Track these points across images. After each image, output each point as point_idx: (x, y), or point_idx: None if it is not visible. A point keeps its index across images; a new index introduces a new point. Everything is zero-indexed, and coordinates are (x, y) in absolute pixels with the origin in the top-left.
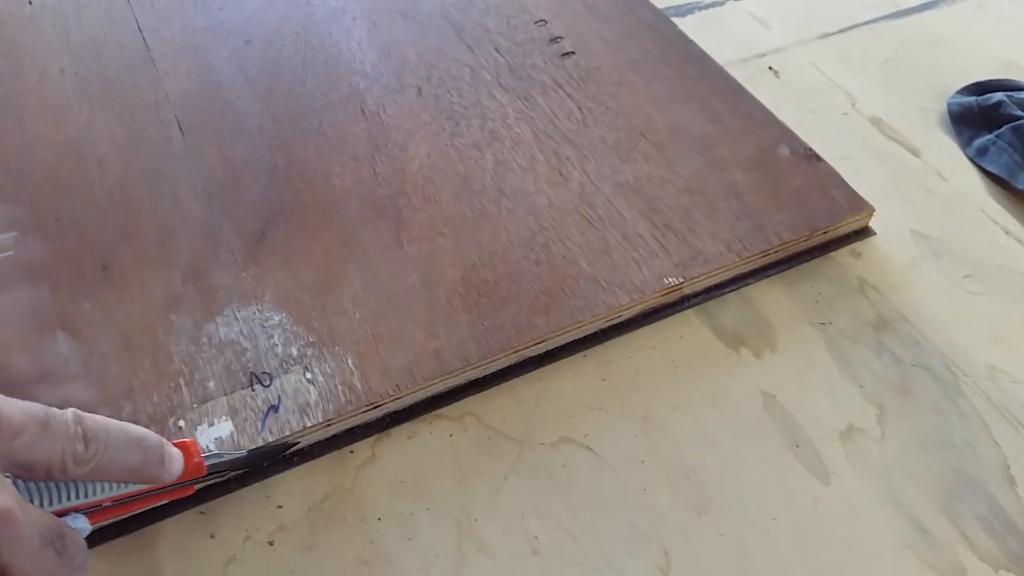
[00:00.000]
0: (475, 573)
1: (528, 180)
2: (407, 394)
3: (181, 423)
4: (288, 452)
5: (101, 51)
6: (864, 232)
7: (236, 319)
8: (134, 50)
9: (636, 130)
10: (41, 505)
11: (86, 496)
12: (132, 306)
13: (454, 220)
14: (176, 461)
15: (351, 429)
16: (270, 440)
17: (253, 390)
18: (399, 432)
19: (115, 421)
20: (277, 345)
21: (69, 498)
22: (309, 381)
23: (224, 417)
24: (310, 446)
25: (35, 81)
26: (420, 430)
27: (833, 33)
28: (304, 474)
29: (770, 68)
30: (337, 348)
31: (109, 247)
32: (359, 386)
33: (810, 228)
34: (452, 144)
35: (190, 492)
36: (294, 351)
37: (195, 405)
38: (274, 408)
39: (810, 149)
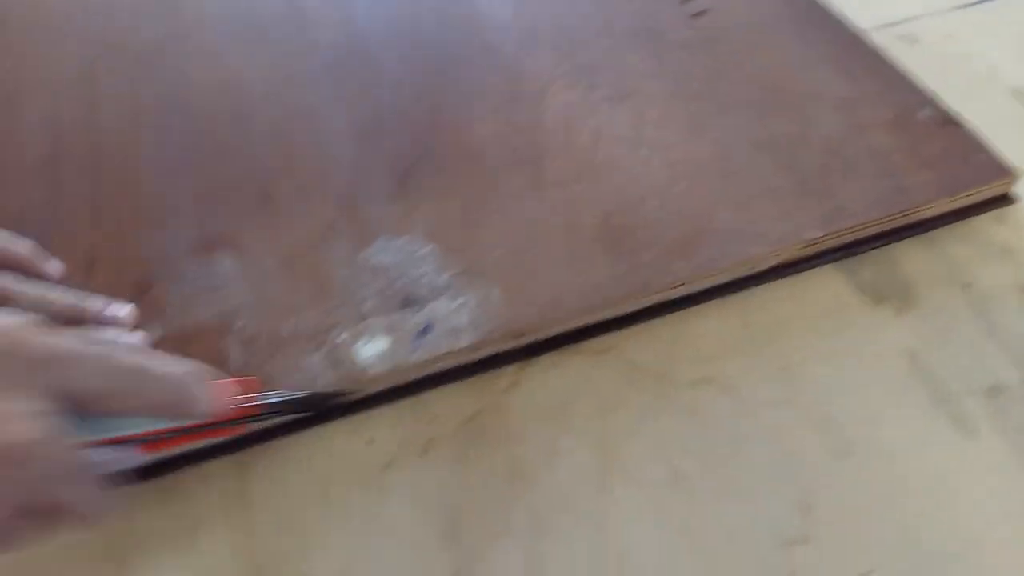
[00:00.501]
0: (618, 496)
1: (664, 134)
2: (551, 325)
3: (341, 338)
4: (345, 400)
5: (253, 2)
6: (1006, 198)
7: (388, 248)
8: (283, 1)
9: (771, 89)
10: (82, 437)
11: (127, 430)
12: (292, 232)
13: (592, 168)
14: (209, 402)
15: (496, 355)
16: (423, 358)
17: (406, 313)
18: (542, 361)
19: (156, 359)
20: (427, 274)
21: (109, 431)
22: (458, 308)
23: (380, 335)
24: (458, 368)
25: (192, 25)
26: (562, 361)
27: (972, 4)
28: (453, 393)
29: (906, 37)
30: (484, 279)
31: (269, 178)
32: (505, 315)
33: (952, 191)
34: (587, 98)
35: (241, 431)
36: (443, 280)
37: (353, 323)
38: (426, 330)
39: (951, 113)
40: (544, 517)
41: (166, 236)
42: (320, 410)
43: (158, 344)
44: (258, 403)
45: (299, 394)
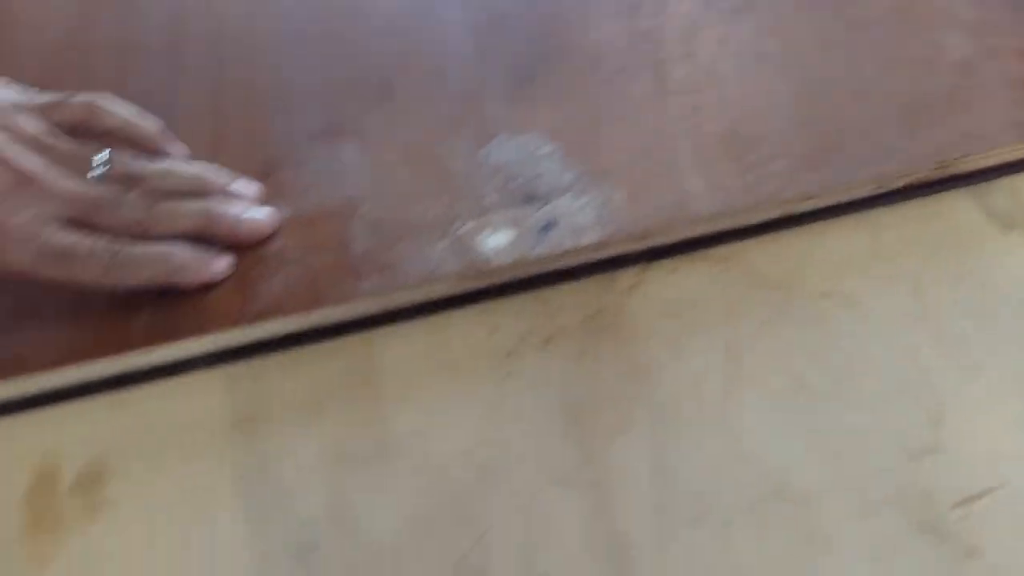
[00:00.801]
0: (742, 397)
1: (791, 48)
2: (675, 229)
3: (465, 228)
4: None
5: None
6: None
7: (508, 146)
8: None
9: (900, 9)
10: None
11: None
12: (412, 126)
13: (717, 77)
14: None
15: (617, 257)
16: (546, 254)
17: (529, 208)
18: (664, 265)
19: None
20: (549, 172)
21: None
22: (582, 207)
23: (503, 228)
24: (580, 266)
25: None
26: (683, 266)
27: None
28: (575, 290)
29: None
30: (606, 182)
31: (389, 72)
32: (628, 217)
33: None
34: (711, 7)
35: None
36: (566, 179)
37: (475, 216)
38: (549, 226)
39: None
40: (668, 414)
41: (291, 123)
42: None
43: (285, 224)
44: None
45: None
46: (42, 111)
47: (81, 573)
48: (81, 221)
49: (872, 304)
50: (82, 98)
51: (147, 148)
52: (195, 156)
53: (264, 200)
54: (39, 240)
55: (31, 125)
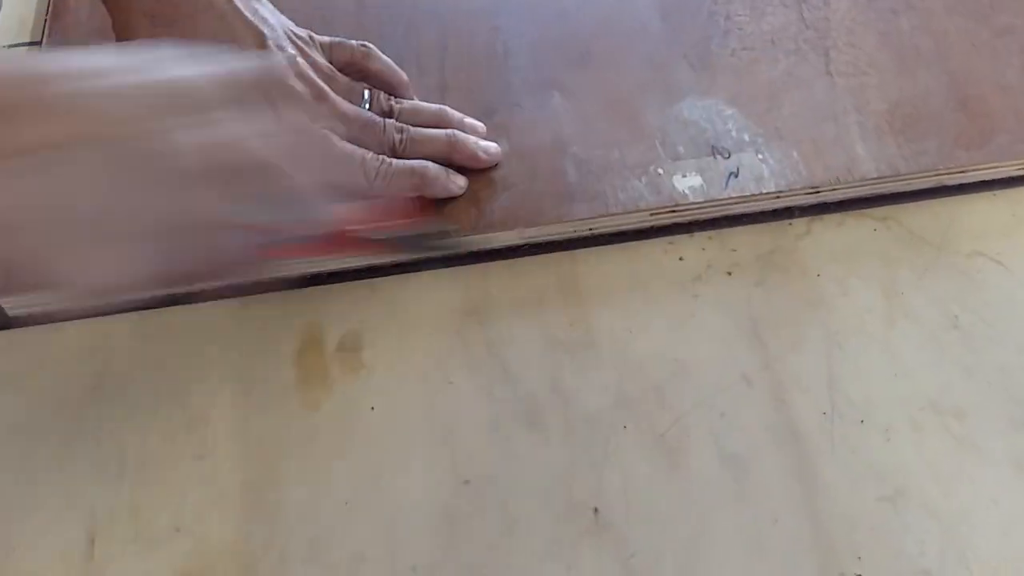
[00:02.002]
0: (903, 329)
1: (941, 44)
2: (842, 188)
3: (660, 171)
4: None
5: None
6: None
7: (696, 107)
8: None
9: None
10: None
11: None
12: (610, 85)
13: (877, 64)
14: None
15: (791, 207)
16: (733, 196)
17: (715, 159)
18: (830, 219)
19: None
20: (732, 131)
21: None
22: (761, 161)
23: (693, 173)
24: (756, 213)
25: None
26: (848, 221)
27: None
28: (752, 232)
29: None
30: (783, 142)
31: (590, 39)
32: (803, 172)
33: None
34: (870, 5)
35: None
36: (746, 137)
37: (669, 161)
38: (734, 174)
39: None
40: (837, 337)
41: (507, 75)
42: (424, 253)
43: (507, 155)
44: (367, 236)
45: (416, 232)
46: (325, 47)
47: (345, 417)
48: (351, 139)
49: (1016, 263)
50: (357, 42)
51: (397, 93)
52: (427, 97)
53: (487, 137)
54: (329, 142)
55: (320, 58)
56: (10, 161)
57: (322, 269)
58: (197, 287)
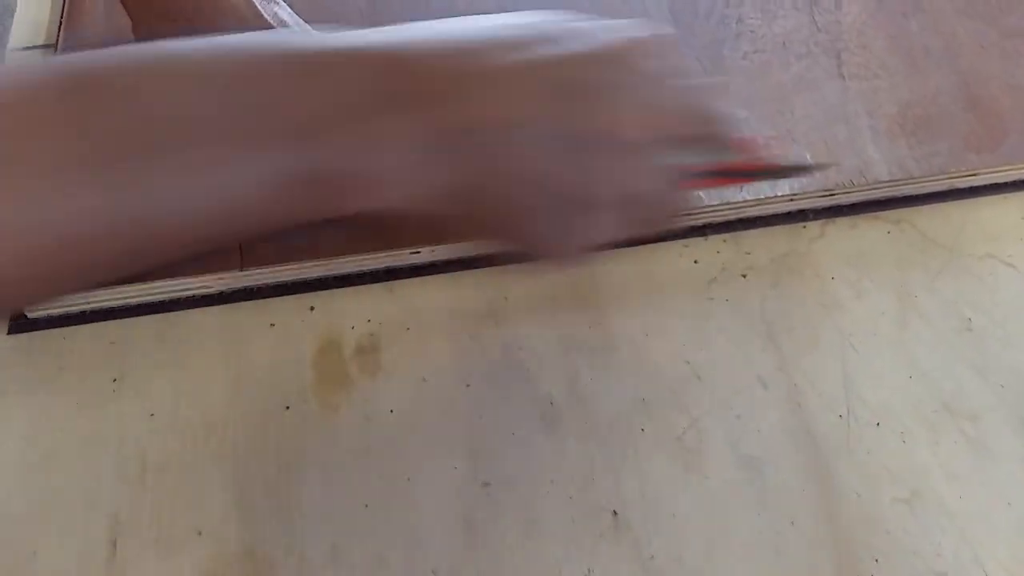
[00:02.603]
0: (916, 332)
1: (951, 45)
2: (856, 190)
3: None
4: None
5: None
6: None
7: None
8: None
9: None
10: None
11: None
12: None
13: (888, 66)
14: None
15: (805, 210)
16: (747, 199)
17: None
18: (844, 221)
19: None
20: (746, 133)
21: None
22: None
23: None
24: (770, 216)
25: None
26: (861, 224)
27: None
28: (766, 235)
29: None
30: (796, 144)
31: None
32: (817, 174)
33: None
34: (880, 8)
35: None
36: (759, 140)
37: None
38: None
39: None
40: (852, 339)
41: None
42: (798, 175)
43: None
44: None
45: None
46: None
47: (364, 420)
48: None
49: None
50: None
51: None
52: None
53: None
54: None
55: None
56: (469, 136)
57: (341, 271)
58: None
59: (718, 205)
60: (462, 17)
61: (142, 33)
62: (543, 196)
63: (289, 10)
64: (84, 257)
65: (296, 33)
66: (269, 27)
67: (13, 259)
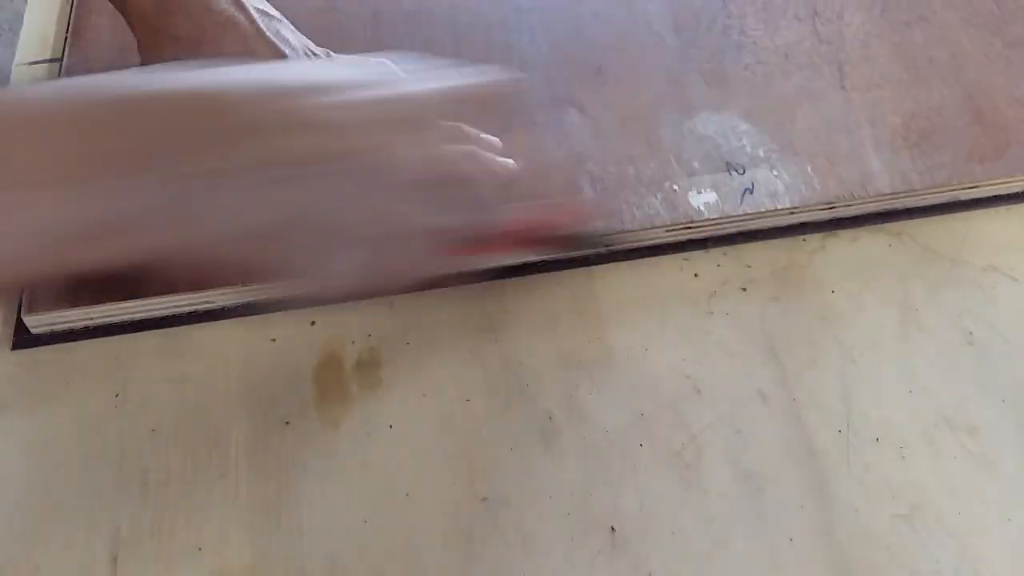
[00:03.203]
0: (917, 345)
1: (955, 56)
2: (857, 203)
3: (675, 187)
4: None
5: None
6: None
7: (710, 122)
8: None
9: None
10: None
11: None
12: (624, 101)
13: (891, 77)
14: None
15: (805, 223)
16: (747, 212)
17: (730, 175)
18: (845, 234)
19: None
20: (746, 146)
21: None
22: (776, 177)
23: (708, 189)
24: (770, 229)
25: None
26: (862, 236)
27: None
28: (766, 248)
29: None
30: (797, 156)
31: (603, 55)
32: (817, 188)
33: None
34: (883, 17)
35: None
36: (761, 152)
37: (684, 177)
38: (749, 190)
39: None
40: (852, 351)
41: (521, 92)
42: (587, 250)
43: (522, 172)
44: (543, 234)
45: (582, 232)
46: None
47: (364, 435)
48: None
49: None
50: (375, 59)
51: None
52: None
53: (503, 154)
54: None
55: None
56: (260, 174)
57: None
58: (385, 291)
59: (719, 219)
60: (312, 62)
61: (146, 50)
62: (312, 229)
63: (291, 27)
64: None
65: (130, 75)
66: (272, 44)
67: None
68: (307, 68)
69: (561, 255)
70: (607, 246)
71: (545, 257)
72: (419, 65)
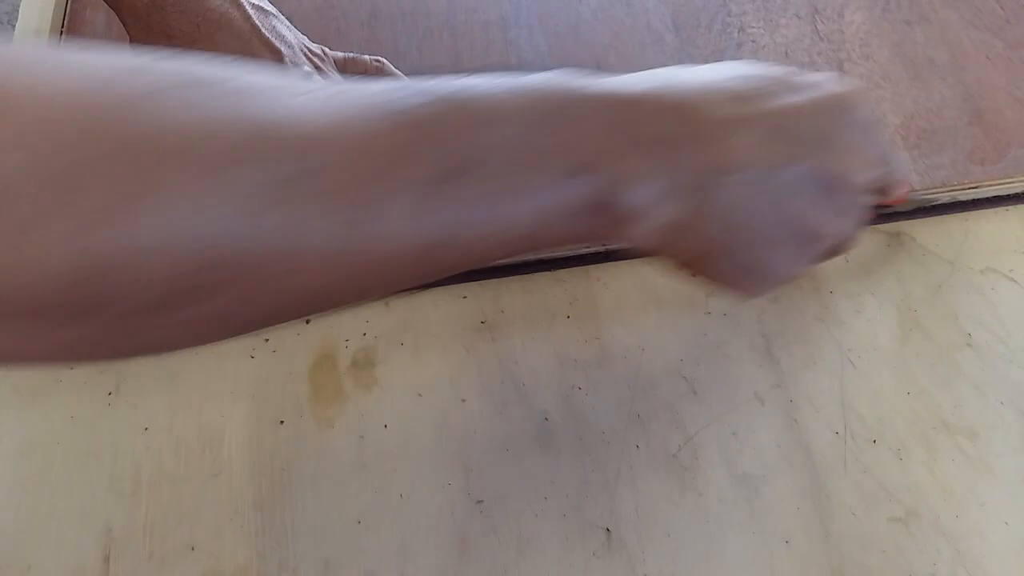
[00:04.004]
0: (916, 347)
1: (956, 56)
2: None
3: None
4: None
5: None
6: None
7: None
8: None
9: None
10: None
11: None
12: None
13: (891, 77)
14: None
15: None
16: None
17: None
18: None
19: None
20: None
21: None
22: None
23: None
24: None
25: None
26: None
27: None
28: None
29: None
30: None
31: (600, 53)
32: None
33: None
34: (884, 17)
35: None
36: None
37: None
38: None
39: None
40: (850, 353)
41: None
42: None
43: None
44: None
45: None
46: (340, 64)
47: (358, 435)
48: None
49: None
50: (371, 57)
51: None
52: None
53: None
54: None
55: (334, 74)
56: (738, 174)
57: None
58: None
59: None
60: (680, 67)
61: (138, 46)
62: (776, 232)
63: (287, 23)
64: (391, 271)
65: (563, 79)
66: (267, 41)
67: (333, 280)
68: (710, 74)
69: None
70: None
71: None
72: (777, 70)
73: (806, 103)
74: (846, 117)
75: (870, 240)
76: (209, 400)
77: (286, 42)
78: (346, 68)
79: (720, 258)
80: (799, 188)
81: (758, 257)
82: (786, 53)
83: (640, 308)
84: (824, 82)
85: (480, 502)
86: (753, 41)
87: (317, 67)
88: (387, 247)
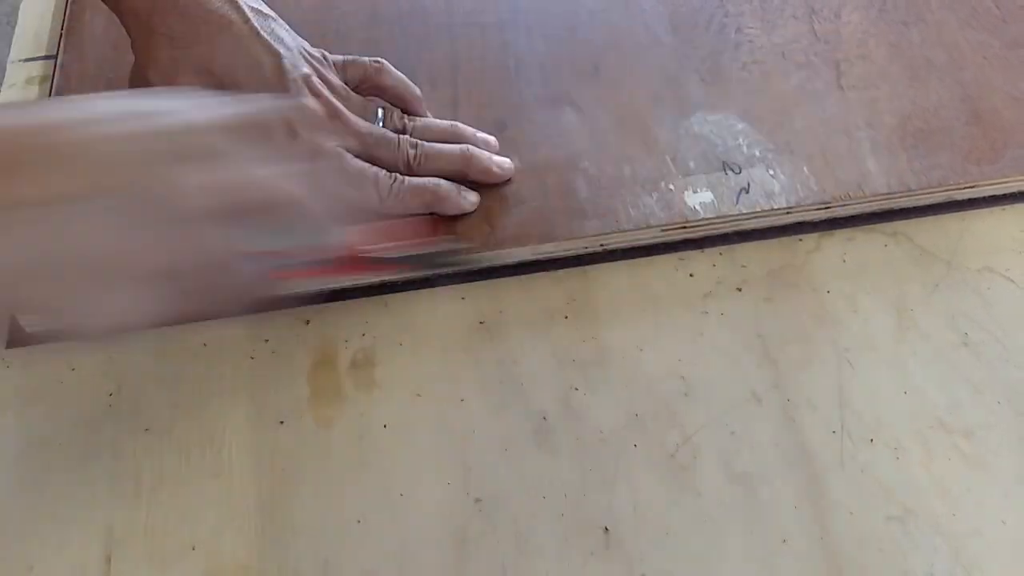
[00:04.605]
0: (913, 346)
1: (953, 56)
2: (853, 203)
3: (671, 187)
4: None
5: None
6: None
7: (706, 121)
8: None
9: None
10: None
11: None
12: (621, 100)
13: (888, 77)
14: (337, 246)
15: (802, 223)
16: (743, 211)
17: (726, 174)
18: (840, 234)
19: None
20: (742, 145)
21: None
22: (772, 176)
23: (704, 189)
24: (766, 229)
25: None
26: (857, 236)
27: None
28: (761, 248)
29: None
30: (794, 156)
31: (600, 54)
32: (814, 188)
33: None
34: (881, 17)
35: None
36: (757, 152)
37: (680, 176)
38: (745, 190)
39: None
40: (848, 352)
41: (518, 90)
42: (437, 269)
43: (519, 171)
44: (378, 257)
45: (427, 251)
46: (339, 67)
47: (358, 435)
48: (365, 156)
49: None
50: (370, 59)
51: (410, 108)
52: (440, 113)
53: (499, 152)
54: (343, 161)
55: (334, 78)
56: (17, 212)
57: (335, 286)
58: (217, 315)
59: (714, 219)
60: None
61: (140, 50)
62: (80, 272)
63: (287, 26)
64: None
65: None
66: (266, 44)
67: None
68: (78, 102)
69: (409, 276)
70: (452, 266)
71: (390, 278)
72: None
73: (172, 125)
74: (214, 143)
75: (866, 240)
76: (209, 401)
77: (285, 45)
78: (346, 71)
79: (57, 296)
80: (129, 219)
81: (96, 295)
82: (783, 54)
83: (638, 308)
84: (240, 106)
85: (479, 501)
86: (750, 41)
87: (317, 71)
88: None
